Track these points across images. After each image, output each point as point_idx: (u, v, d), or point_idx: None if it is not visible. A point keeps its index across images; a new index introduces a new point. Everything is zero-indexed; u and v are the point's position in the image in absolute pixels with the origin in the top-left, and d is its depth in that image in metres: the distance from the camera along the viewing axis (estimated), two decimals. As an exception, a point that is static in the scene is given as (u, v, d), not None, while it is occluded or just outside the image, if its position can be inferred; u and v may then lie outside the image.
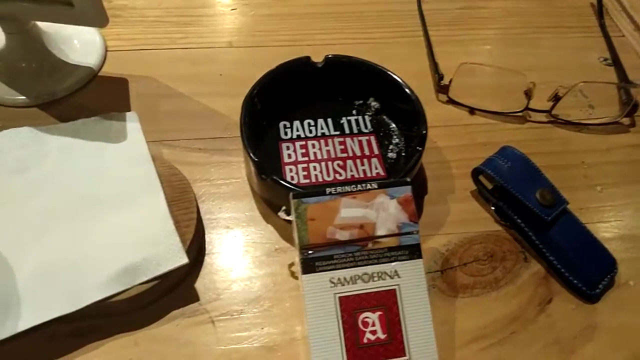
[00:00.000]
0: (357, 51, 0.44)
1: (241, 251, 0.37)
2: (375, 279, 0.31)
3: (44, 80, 0.44)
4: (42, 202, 0.35)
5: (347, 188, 0.32)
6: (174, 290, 0.34)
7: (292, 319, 0.34)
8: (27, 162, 0.37)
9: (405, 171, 0.37)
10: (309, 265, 0.31)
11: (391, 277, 0.31)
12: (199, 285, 0.35)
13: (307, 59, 0.42)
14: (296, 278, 0.36)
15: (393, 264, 0.31)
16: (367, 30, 0.53)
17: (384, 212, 0.32)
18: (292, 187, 0.35)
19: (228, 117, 0.44)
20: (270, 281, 0.36)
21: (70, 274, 0.32)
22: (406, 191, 0.32)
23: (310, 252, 0.31)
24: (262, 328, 0.34)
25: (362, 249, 0.31)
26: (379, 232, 0.31)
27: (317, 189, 0.32)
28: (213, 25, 0.51)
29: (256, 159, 0.36)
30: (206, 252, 0.37)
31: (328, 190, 0.32)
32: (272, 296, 0.35)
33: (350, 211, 0.32)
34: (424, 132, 0.38)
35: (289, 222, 0.34)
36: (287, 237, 0.38)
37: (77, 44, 0.47)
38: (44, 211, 0.34)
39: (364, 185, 0.32)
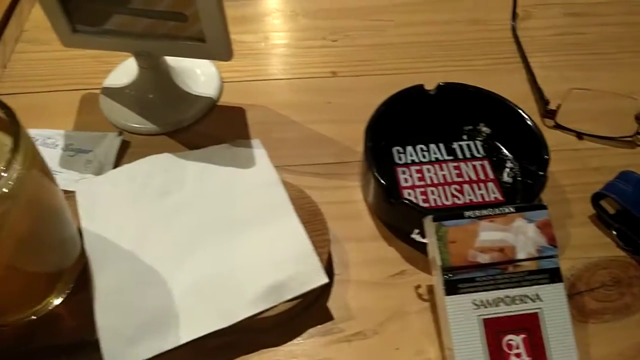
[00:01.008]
0: (456, 78, 0.45)
1: (367, 272, 0.38)
2: (517, 302, 0.32)
3: (171, 110, 0.48)
4: (187, 223, 0.38)
5: (485, 212, 0.33)
6: (309, 309, 0.36)
7: (423, 340, 0.35)
8: (170, 185, 0.40)
9: (532, 195, 0.37)
10: (452, 287, 0.32)
11: (533, 301, 0.32)
12: (331, 304, 0.37)
13: (421, 86, 0.44)
14: (424, 300, 0.37)
15: (534, 287, 0.32)
16: (464, 58, 0.54)
17: (523, 236, 0.32)
18: (425, 210, 0.36)
19: (339, 143, 0.47)
20: (398, 303, 0.37)
21: (221, 290, 0.34)
22: (544, 215, 0.33)
23: (452, 274, 0.32)
24: (397, 348, 0.34)
25: (502, 272, 0.32)
26: (519, 256, 0.32)
27: (453, 213, 0.33)
28: (317, 57, 0.54)
29: (385, 183, 0.37)
30: (334, 272, 0.38)
31: (467, 213, 0.33)
32: (401, 317, 0.36)
33: (489, 234, 0.32)
34: (546, 156, 0.39)
35: (423, 244, 0.36)
36: (411, 260, 0.39)
37: (197, 76, 0.51)
38: (190, 231, 0.37)
39: (501, 209, 0.33)
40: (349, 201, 0.42)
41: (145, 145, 0.46)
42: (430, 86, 0.44)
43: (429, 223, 0.33)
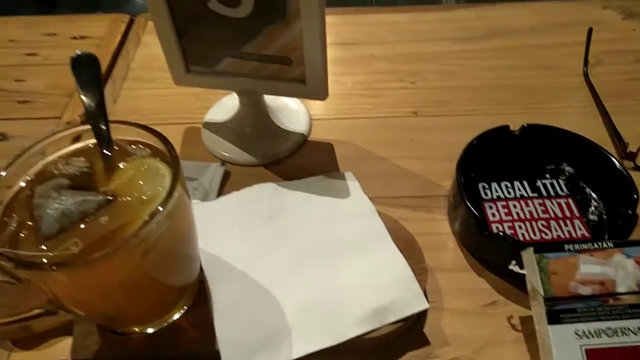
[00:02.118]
0: (531, 121, 0.47)
1: (460, 301, 0.40)
2: (619, 334, 0.33)
3: (267, 144, 0.52)
4: (292, 247, 0.41)
5: (584, 246, 0.35)
6: (407, 333, 0.38)
7: (520, 369, 0.36)
8: (274, 212, 0.43)
9: (622, 234, 0.39)
10: (555, 317, 0.33)
11: (635, 334, 0.33)
12: (427, 330, 0.38)
13: (507, 127, 0.47)
14: (518, 330, 0.38)
15: (636, 320, 0.33)
16: (538, 101, 0.57)
17: (623, 270, 0.34)
18: (522, 243, 0.38)
19: (424, 178, 0.49)
20: (491, 332, 0.38)
21: (328, 310, 0.37)
22: (643, 251, 0.34)
23: (554, 304, 0.33)
24: (495, 375, 0.36)
25: (603, 304, 0.33)
26: (620, 289, 0.34)
27: (553, 245, 0.35)
28: (398, 97, 0.58)
29: (480, 217, 0.40)
30: (429, 300, 0.40)
31: (566, 246, 0.35)
32: (496, 346, 0.37)
33: (589, 267, 0.34)
34: (636, 196, 0.40)
35: (515, 275, 0.37)
36: (501, 291, 0.40)
37: (289, 113, 0.55)
38: (295, 254, 0.40)
39: (599, 243, 0.35)
40: (437, 233, 0.45)
41: (244, 175, 0.50)
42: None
43: (529, 255, 0.35)
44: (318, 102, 0.58)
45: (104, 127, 0.33)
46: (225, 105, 0.56)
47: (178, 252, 0.34)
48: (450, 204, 0.46)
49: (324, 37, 0.44)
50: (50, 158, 0.33)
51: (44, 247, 0.29)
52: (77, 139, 0.35)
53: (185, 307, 0.38)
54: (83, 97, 0.33)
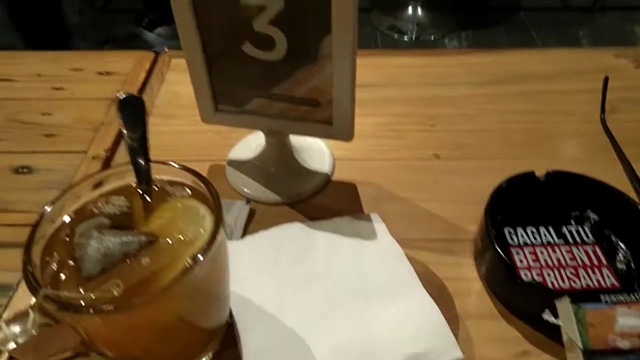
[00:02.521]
0: (551, 166, 0.48)
1: (490, 350, 0.39)
2: (660, 389, 0.32)
3: (292, 183, 0.52)
4: (321, 290, 0.41)
5: (621, 297, 0.35)
6: (439, 382, 0.37)
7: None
8: (302, 253, 0.43)
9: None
10: (594, 370, 0.33)
11: (676, 389, 0.32)
12: (460, 379, 0.38)
13: (532, 173, 0.47)
14: (551, 381, 0.38)
15: (676, 375, 0.33)
16: (557, 147, 0.57)
17: (661, 324, 0.34)
18: (556, 292, 0.38)
19: (448, 221, 0.49)
20: (524, 382, 0.38)
21: (360, 357, 0.36)
22: (680, 304, 0.34)
23: (593, 357, 0.33)
24: None
25: (643, 358, 0.33)
26: (659, 343, 0.33)
27: (589, 295, 0.35)
28: (418, 139, 0.58)
29: (511, 264, 0.40)
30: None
31: (602, 297, 0.35)
32: (530, 397, 0.37)
33: (627, 320, 0.34)
34: (665, 246, 0.41)
35: (547, 325, 0.37)
36: (532, 340, 0.40)
37: (313, 153, 0.56)
38: (325, 298, 0.40)
39: (636, 296, 0.35)
40: (464, 278, 0.45)
41: (268, 214, 0.50)
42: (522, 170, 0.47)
43: (566, 305, 0.35)
44: (340, 142, 0.59)
45: (145, 167, 0.33)
46: (250, 144, 0.57)
47: (214, 293, 0.34)
48: (477, 249, 0.46)
49: (354, 80, 0.45)
50: (90, 196, 0.34)
51: (85, 288, 0.28)
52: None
53: (214, 351, 0.37)
54: (127, 137, 0.34)
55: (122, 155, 0.57)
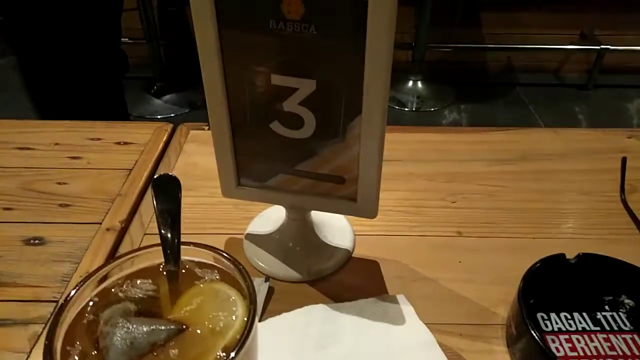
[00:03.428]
0: (575, 247, 0.47)
1: None
2: None
3: (312, 260, 0.51)
4: (349, 380, 0.38)
5: (677, 397, 0.32)
6: None
7: None
8: (327, 338, 0.41)
9: None
10: None
11: None
12: None
13: (563, 255, 0.46)
14: None
15: None
16: (580, 226, 0.57)
17: None
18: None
19: (476, 303, 0.48)
20: None
21: None
22: None
23: None
24: None
25: None
26: None
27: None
28: (440, 216, 0.58)
29: (550, 354, 0.38)
30: None
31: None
32: None
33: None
34: None
35: None
36: None
37: (333, 229, 0.55)
38: (354, 389, 0.37)
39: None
40: (498, 367, 0.42)
41: (288, 292, 0.48)
42: (545, 253, 0.46)
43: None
44: (361, 218, 0.58)
45: (175, 249, 0.32)
46: (269, 218, 0.56)
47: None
48: (510, 335, 0.43)
49: (381, 158, 0.45)
50: (113, 278, 0.32)
51: (108, 383, 0.26)
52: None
53: None
54: (159, 216, 0.33)
55: (137, 227, 0.56)
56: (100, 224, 0.55)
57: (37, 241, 0.54)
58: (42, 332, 0.44)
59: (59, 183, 0.62)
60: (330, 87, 0.42)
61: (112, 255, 0.53)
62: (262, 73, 0.42)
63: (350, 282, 0.50)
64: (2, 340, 0.44)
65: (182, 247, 0.33)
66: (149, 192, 0.61)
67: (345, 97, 0.42)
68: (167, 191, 0.33)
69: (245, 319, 0.29)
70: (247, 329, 0.28)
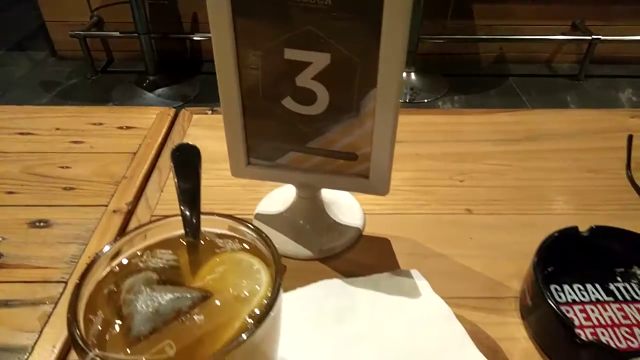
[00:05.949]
0: (583, 222, 0.47)
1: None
2: None
3: (323, 238, 0.51)
4: (367, 352, 0.38)
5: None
6: None
7: None
8: (344, 312, 0.41)
9: None
10: None
11: None
12: None
13: (576, 228, 0.46)
14: None
15: None
16: (587, 203, 0.57)
17: None
18: (623, 353, 0.36)
19: (488, 278, 0.48)
20: None
21: None
22: None
23: None
24: None
25: None
26: None
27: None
28: (449, 194, 0.58)
29: (568, 322, 0.38)
30: (520, 416, 0.37)
31: (678, 359, 0.32)
32: None
33: None
34: None
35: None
36: (597, 407, 0.37)
37: (343, 207, 0.54)
38: (375, 359, 0.37)
39: None
40: (514, 338, 0.42)
41: (300, 270, 0.48)
42: (554, 229, 0.46)
43: (639, 367, 0.32)
44: (369, 196, 0.57)
45: (195, 219, 0.32)
46: (277, 198, 0.55)
47: (266, 354, 0.31)
48: (524, 307, 0.44)
49: (394, 133, 0.44)
50: (134, 249, 0.31)
51: (135, 349, 0.26)
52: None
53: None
54: (178, 187, 0.32)
55: (144, 209, 0.55)
56: (107, 206, 0.55)
57: (42, 224, 0.53)
58: (52, 312, 0.43)
59: (62, 167, 0.60)
60: (344, 60, 0.41)
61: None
62: (276, 47, 0.42)
63: (362, 259, 0.49)
64: (11, 321, 0.43)
65: (202, 217, 0.33)
66: (155, 175, 0.60)
67: (360, 71, 0.41)
68: (186, 161, 0.33)
69: (271, 286, 0.29)
70: (275, 293, 0.27)
